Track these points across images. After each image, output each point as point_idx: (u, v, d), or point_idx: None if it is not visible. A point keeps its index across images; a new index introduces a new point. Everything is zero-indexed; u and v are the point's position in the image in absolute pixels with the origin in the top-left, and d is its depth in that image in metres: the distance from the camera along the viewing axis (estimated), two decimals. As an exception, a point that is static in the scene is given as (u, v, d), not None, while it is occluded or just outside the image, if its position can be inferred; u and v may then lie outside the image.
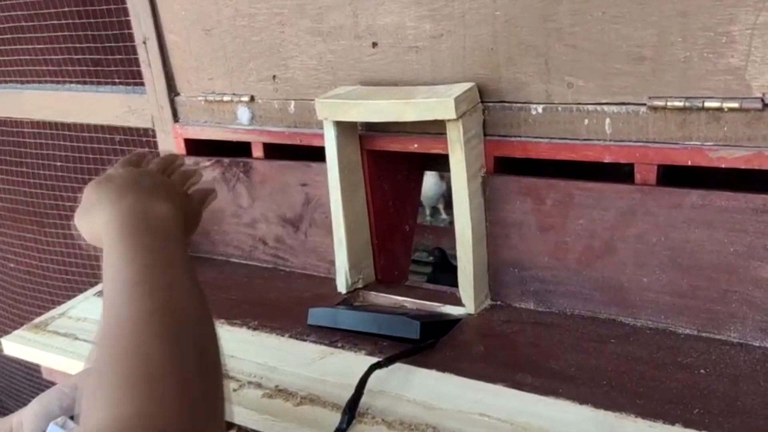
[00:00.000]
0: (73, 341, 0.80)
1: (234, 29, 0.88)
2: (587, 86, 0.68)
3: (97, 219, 0.54)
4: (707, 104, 0.62)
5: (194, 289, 0.49)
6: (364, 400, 0.61)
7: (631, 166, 0.67)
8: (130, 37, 1.00)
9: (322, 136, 0.80)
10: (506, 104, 0.73)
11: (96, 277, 1.25)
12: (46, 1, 1.17)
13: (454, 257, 0.77)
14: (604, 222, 0.69)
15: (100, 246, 0.54)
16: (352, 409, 0.59)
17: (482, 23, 0.71)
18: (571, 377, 0.62)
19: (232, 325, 0.78)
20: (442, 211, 1.89)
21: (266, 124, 0.91)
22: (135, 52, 1.00)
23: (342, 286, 0.83)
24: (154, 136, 1.04)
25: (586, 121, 0.69)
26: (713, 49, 0.61)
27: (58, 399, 0.66)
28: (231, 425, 0.67)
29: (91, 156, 1.23)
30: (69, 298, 0.92)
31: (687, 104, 0.63)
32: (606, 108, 0.68)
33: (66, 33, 1.18)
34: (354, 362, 0.67)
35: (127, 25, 1.00)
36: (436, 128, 0.74)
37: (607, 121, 0.68)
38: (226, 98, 0.93)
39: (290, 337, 0.74)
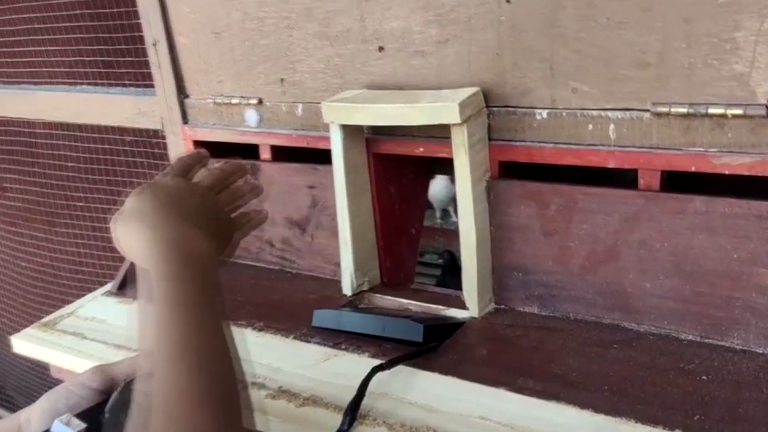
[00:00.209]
0: (81, 340, 0.81)
1: (243, 32, 0.89)
2: (591, 92, 0.68)
3: (136, 235, 0.53)
4: (711, 111, 0.62)
5: (229, 343, 0.52)
6: (366, 402, 0.62)
7: (634, 171, 0.68)
8: (141, 40, 1.01)
9: (328, 138, 0.81)
10: (511, 109, 0.73)
11: (106, 277, 1.26)
12: (59, 5, 1.19)
13: (463, 260, 0.78)
14: (608, 227, 0.69)
15: (130, 259, 0.55)
16: (353, 411, 0.59)
17: (488, 28, 0.71)
18: (573, 382, 0.62)
19: (237, 326, 0.79)
20: (452, 213, 1.89)
21: (274, 127, 0.91)
22: (145, 55, 1.01)
23: (347, 288, 0.83)
24: (163, 138, 1.05)
25: (591, 127, 0.69)
26: (717, 55, 0.61)
27: (65, 397, 0.66)
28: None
29: (101, 156, 1.24)
30: (79, 297, 0.93)
31: (691, 110, 0.63)
32: (610, 113, 0.68)
33: (78, 35, 1.20)
34: (357, 364, 0.68)
35: (138, 27, 1.01)
36: (441, 132, 0.74)
37: (611, 126, 0.68)
38: (234, 101, 0.94)
39: (294, 338, 0.75)
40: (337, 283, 0.86)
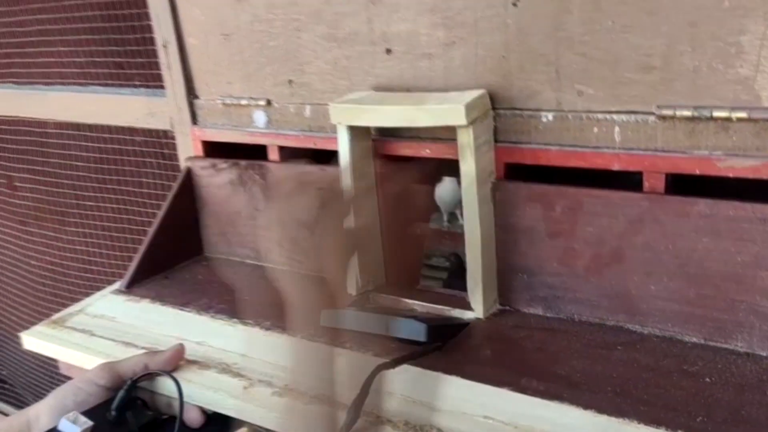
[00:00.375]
0: (90, 337, 0.82)
1: (252, 34, 0.90)
2: (597, 94, 0.69)
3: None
4: (716, 114, 0.63)
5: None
6: (370, 399, 0.62)
7: (639, 174, 0.68)
8: (151, 41, 1.02)
9: (336, 140, 0.82)
10: (517, 111, 0.73)
11: (114, 276, 1.27)
12: (71, 6, 1.20)
13: (470, 263, 0.78)
14: (613, 229, 0.69)
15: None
16: (358, 408, 0.60)
17: (494, 31, 0.72)
18: (576, 383, 0.62)
19: (245, 325, 0.80)
20: (459, 216, 1.90)
21: (282, 128, 0.92)
22: (156, 56, 1.02)
23: (352, 288, 0.84)
24: (173, 138, 1.06)
25: (596, 129, 0.69)
26: (722, 59, 0.62)
27: (73, 394, 0.68)
28: (241, 423, 0.69)
29: (111, 156, 1.25)
30: (88, 295, 0.94)
31: (696, 114, 0.64)
32: (615, 116, 0.68)
33: (89, 36, 1.21)
34: (362, 363, 0.68)
35: (149, 29, 1.02)
36: (447, 134, 0.75)
37: (617, 129, 0.68)
38: (243, 102, 0.94)
39: (302, 337, 0.75)
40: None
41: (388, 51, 0.80)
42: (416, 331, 0.71)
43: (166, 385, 0.69)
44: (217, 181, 0.98)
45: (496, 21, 0.72)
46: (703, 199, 0.64)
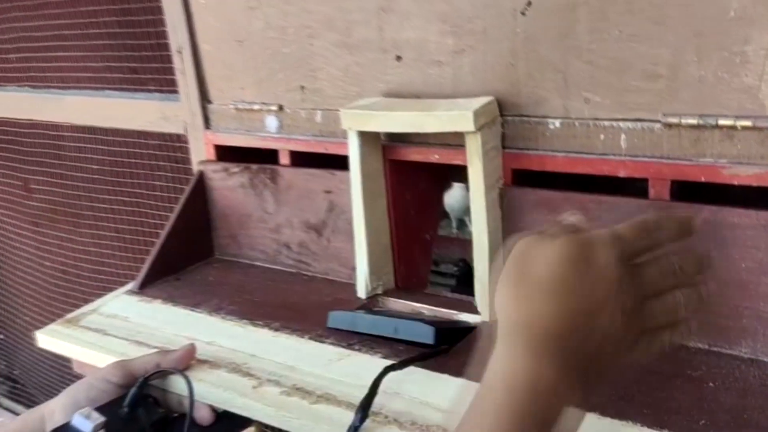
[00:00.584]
0: (103, 336, 0.83)
1: (265, 41, 0.92)
2: (604, 102, 0.70)
3: (511, 312, 0.42)
4: (721, 122, 0.64)
5: None
6: (378, 400, 0.63)
7: (645, 181, 0.69)
8: (166, 47, 1.04)
9: (346, 145, 0.83)
10: (525, 118, 0.75)
11: (126, 277, 1.29)
12: (87, 12, 1.23)
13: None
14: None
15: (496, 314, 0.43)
16: (365, 408, 0.61)
17: (503, 39, 0.73)
18: (581, 386, 0.63)
19: (254, 326, 0.81)
20: (468, 223, 1.91)
21: (293, 133, 0.94)
22: (170, 61, 1.04)
23: (362, 292, 0.85)
24: (186, 142, 1.08)
25: (602, 136, 0.70)
26: (727, 68, 0.63)
27: (86, 390, 0.69)
28: (249, 421, 0.70)
29: (125, 159, 1.27)
30: (100, 296, 0.95)
31: (701, 122, 0.65)
32: (621, 124, 0.69)
33: (106, 42, 1.23)
34: (370, 364, 0.69)
35: (164, 35, 1.04)
36: (456, 140, 0.76)
37: (623, 136, 0.69)
38: (255, 107, 0.96)
39: (310, 338, 0.77)
40: (352, 287, 0.87)
41: (399, 58, 0.81)
42: (424, 334, 0.72)
43: (177, 384, 0.70)
44: (229, 185, 1.00)
45: (504, 29, 0.73)
46: (707, 206, 0.65)
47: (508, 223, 0.76)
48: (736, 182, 0.64)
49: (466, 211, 1.78)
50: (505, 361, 0.41)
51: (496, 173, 0.76)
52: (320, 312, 0.80)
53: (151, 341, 0.80)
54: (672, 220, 0.44)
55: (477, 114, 0.71)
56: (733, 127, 0.63)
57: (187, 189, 1.01)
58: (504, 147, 0.76)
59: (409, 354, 0.70)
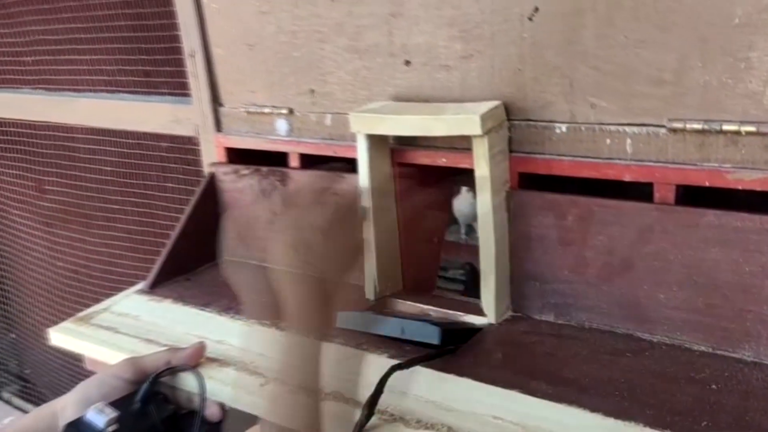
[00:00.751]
0: (114, 334, 0.84)
1: (276, 45, 0.93)
2: (609, 107, 0.71)
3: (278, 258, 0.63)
4: (725, 127, 0.64)
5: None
6: (384, 398, 0.64)
7: (650, 185, 0.70)
8: (179, 51, 1.06)
9: (355, 148, 0.84)
10: (531, 122, 0.76)
11: (137, 278, 1.30)
12: (101, 16, 1.25)
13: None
14: (623, 239, 0.71)
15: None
16: (372, 405, 0.62)
17: (510, 45, 0.74)
18: (585, 387, 0.64)
19: (262, 326, 0.82)
20: (477, 229, 1.92)
21: (303, 136, 0.95)
22: (183, 65, 1.06)
23: (370, 293, 0.86)
24: (197, 144, 1.09)
25: (608, 141, 0.71)
26: (732, 74, 0.64)
27: (98, 386, 0.70)
28: (256, 418, 0.71)
29: (137, 161, 1.29)
30: (111, 296, 0.97)
31: (705, 127, 0.65)
32: (627, 129, 0.70)
33: (119, 45, 1.25)
34: (377, 364, 0.70)
35: (177, 39, 1.06)
36: (463, 143, 0.77)
37: (628, 141, 0.70)
38: (266, 110, 0.97)
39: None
40: (360, 289, 0.88)
41: (408, 63, 0.82)
42: (430, 335, 0.73)
43: (186, 381, 0.72)
44: (239, 187, 1.01)
45: (512, 34, 0.74)
46: (712, 210, 0.66)
47: (514, 226, 0.77)
48: (740, 187, 0.65)
49: (475, 216, 1.79)
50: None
51: (503, 177, 0.77)
52: (328, 312, 0.81)
53: (161, 339, 0.82)
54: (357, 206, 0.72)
55: (484, 118, 0.72)
56: (737, 132, 0.64)
57: (198, 190, 1.03)
58: (511, 151, 0.77)
59: (416, 354, 0.71)
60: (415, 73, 0.82)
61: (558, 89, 0.73)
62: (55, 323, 0.90)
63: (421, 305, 0.84)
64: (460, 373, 0.68)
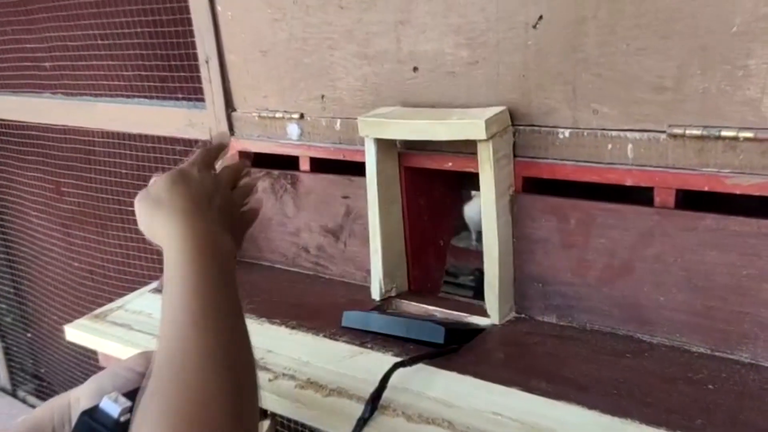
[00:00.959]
0: (128, 331, 0.87)
1: (288, 52, 0.96)
2: (611, 113, 0.72)
3: (163, 222, 0.57)
4: (724, 133, 0.66)
5: (244, 327, 0.54)
6: (387, 395, 0.66)
7: (651, 189, 0.71)
8: (194, 57, 1.09)
9: (364, 152, 0.86)
10: (535, 128, 0.77)
11: (150, 278, 1.33)
12: (120, 23, 1.28)
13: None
14: (624, 242, 0.72)
15: (150, 239, 0.60)
16: (375, 401, 0.64)
17: (515, 52, 0.76)
18: (584, 386, 0.65)
19: (272, 324, 0.84)
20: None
21: (313, 140, 0.97)
22: (197, 71, 1.08)
23: (376, 294, 0.88)
24: (211, 148, 1.12)
25: (610, 146, 0.73)
26: (731, 81, 0.65)
27: (110, 379, 0.72)
28: (265, 412, 0.73)
29: (153, 165, 1.32)
30: (125, 296, 0.99)
31: (704, 133, 0.67)
32: (628, 134, 0.72)
33: (137, 51, 1.28)
34: (381, 361, 0.72)
35: (192, 46, 1.08)
36: (469, 148, 0.79)
37: (630, 146, 0.72)
38: (278, 115, 1.00)
39: (324, 336, 0.80)
40: (367, 289, 0.90)
41: (415, 69, 0.85)
42: (434, 334, 0.75)
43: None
44: (251, 189, 1.04)
45: (516, 42, 0.76)
46: (710, 214, 0.67)
47: (518, 229, 0.79)
48: (738, 192, 0.66)
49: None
50: (171, 250, 0.55)
51: (507, 181, 0.78)
52: (335, 312, 0.83)
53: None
54: (240, 163, 0.68)
55: (488, 123, 0.74)
56: (735, 138, 0.65)
57: (211, 193, 1.05)
58: (515, 155, 0.79)
59: (419, 352, 0.73)
60: (422, 79, 0.84)
61: (561, 95, 0.75)
62: (70, 323, 0.93)
63: (426, 306, 0.86)
64: (462, 371, 0.69)
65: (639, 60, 0.69)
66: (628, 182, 0.72)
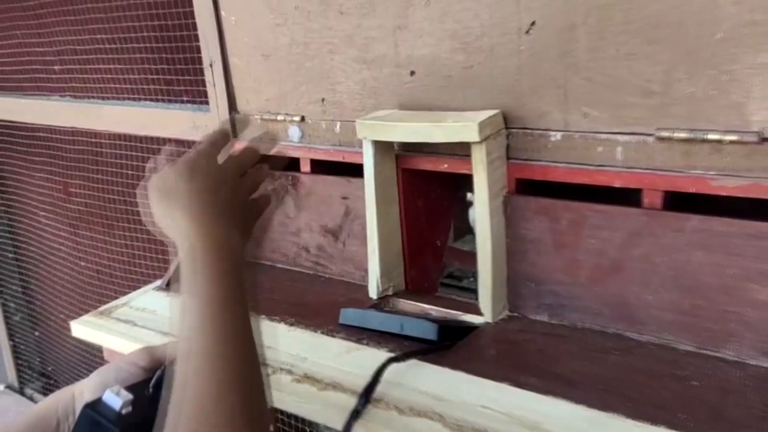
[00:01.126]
0: (132, 327, 0.89)
1: (289, 56, 0.98)
2: (601, 116, 0.74)
3: (176, 218, 0.56)
4: (709, 136, 0.68)
5: (255, 333, 0.57)
6: (381, 389, 0.68)
7: (639, 190, 0.73)
8: (199, 61, 1.11)
9: (362, 154, 0.88)
10: (528, 131, 0.79)
11: (155, 277, 1.36)
12: (127, 27, 1.31)
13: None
14: (614, 242, 0.74)
15: (157, 231, 0.60)
16: (368, 394, 0.66)
17: (508, 57, 0.78)
18: (572, 381, 0.67)
19: (271, 321, 0.86)
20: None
21: (314, 142, 1.00)
22: (202, 74, 1.11)
23: (373, 292, 0.90)
24: (214, 150, 1.14)
25: (600, 149, 0.75)
26: (716, 86, 0.67)
27: (114, 372, 0.75)
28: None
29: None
30: (131, 294, 1.02)
31: (691, 136, 0.69)
32: (618, 137, 0.73)
33: (143, 55, 1.31)
34: (376, 357, 0.74)
35: (197, 50, 1.11)
36: (464, 150, 0.81)
37: (619, 149, 0.73)
38: (279, 117, 1.02)
39: (322, 333, 0.82)
40: (365, 288, 0.92)
41: (413, 73, 0.87)
42: (428, 331, 0.77)
43: (197, 370, 0.76)
44: (253, 190, 1.06)
45: (510, 47, 0.78)
46: (696, 215, 0.69)
47: (511, 229, 0.81)
48: (723, 193, 0.68)
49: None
50: (186, 249, 0.55)
51: (500, 182, 0.80)
52: (333, 310, 0.85)
53: (175, 332, 0.86)
54: (250, 150, 0.64)
55: (482, 125, 0.76)
56: (720, 141, 0.67)
57: (214, 193, 1.07)
58: (509, 157, 0.81)
59: (413, 349, 0.75)
60: (419, 82, 0.86)
61: (553, 99, 0.77)
62: (79, 319, 0.95)
63: (422, 304, 0.88)
64: (454, 366, 0.71)
65: (628, 65, 0.71)
66: (618, 184, 0.74)
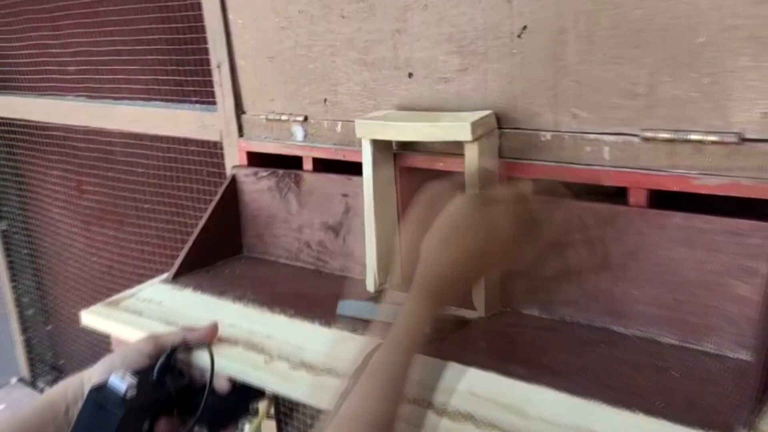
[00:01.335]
0: (139, 317, 0.93)
1: (293, 58, 1.01)
2: (589, 117, 0.77)
3: (426, 277, 0.49)
4: (692, 137, 0.70)
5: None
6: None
7: (625, 189, 0.76)
8: (207, 63, 1.15)
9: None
10: (520, 131, 0.82)
11: (162, 273, 1.39)
12: (140, 30, 1.35)
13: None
14: (601, 239, 0.77)
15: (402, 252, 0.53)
16: (357, 377, 0.68)
17: (502, 60, 0.81)
18: (557, 371, 0.70)
19: (272, 312, 0.90)
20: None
21: (316, 141, 1.03)
22: (210, 75, 1.15)
23: (371, 286, 0.93)
24: (221, 149, 1.18)
25: (588, 148, 0.77)
26: (698, 88, 0.69)
27: (120, 359, 0.78)
28: (262, 392, 0.79)
29: (168, 164, 1.38)
30: (140, 288, 1.05)
31: (674, 136, 0.71)
32: (605, 137, 0.76)
33: (155, 57, 1.35)
34: (369, 345, 0.77)
35: (205, 52, 1.15)
36: (458, 149, 0.84)
37: (606, 148, 0.76)
38: (284, 117, 1.06)
39: (320, 324, 0.85)
40: (364, 282, 0.95)
41: (410, 75, 0.90)
42: (420, 322, 0.79)
43: (200, 358, 0.79)
44: (258, 188, 1.10)
45: (503, 50, 0.81)
46: (678, 212, 0.72)
47: (503, 226, 0.84)
48: (704, 191, 0.70)
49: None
50: (402, 325, 0.51)
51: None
52: (332, 302, 0.89)
53: (180, 322, 0.89)
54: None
55: (474, 125, 0.79)
56: (702, 142, 0.70)
57: (220, 191, 1.11)
58: (501, 157, 0.84)
59: (407, 339, 0.77)
60: (417, 84, 0.90)
61: (544, 100, 0.80)
62: (89, 317, 0.99)
63: (419, 299, 0.91)
64: (445, 357, 0.74)
65: (614, 68, 0.74)
66: (605, 182, 0.77)
